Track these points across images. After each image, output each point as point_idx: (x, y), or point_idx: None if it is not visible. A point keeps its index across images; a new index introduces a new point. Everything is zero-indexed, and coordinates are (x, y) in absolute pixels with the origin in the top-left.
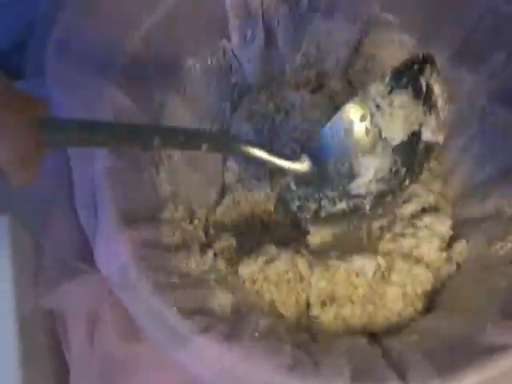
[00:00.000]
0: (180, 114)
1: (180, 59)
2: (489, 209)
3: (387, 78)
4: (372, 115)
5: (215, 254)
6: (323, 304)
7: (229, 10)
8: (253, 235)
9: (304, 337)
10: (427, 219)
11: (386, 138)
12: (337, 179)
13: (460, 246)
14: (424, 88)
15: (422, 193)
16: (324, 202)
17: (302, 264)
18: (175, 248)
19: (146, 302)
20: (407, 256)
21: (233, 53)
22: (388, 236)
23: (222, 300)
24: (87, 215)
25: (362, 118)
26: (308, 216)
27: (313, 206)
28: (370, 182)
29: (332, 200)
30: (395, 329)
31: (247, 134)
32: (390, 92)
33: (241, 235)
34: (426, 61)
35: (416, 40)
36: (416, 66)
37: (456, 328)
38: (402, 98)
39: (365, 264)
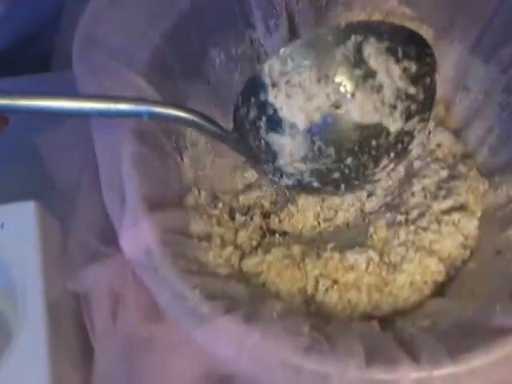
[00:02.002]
0: (204, 103)
1: (204, 49)
2: (502, 196)
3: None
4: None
5: (235, 248)
6: (325, 289)
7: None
8: None
9: (318, 321)
10: (456, 216)
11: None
12: (263, 157)
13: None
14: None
15: (462, 191)
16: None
17: (296, 252)
18: (198, 237)
19: (169, 283)
20: (421, 248)
21: (259, 42)
22: (412, 228)
23: (238, 289)
24: (112, 199)
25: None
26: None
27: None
28: (292, 162)
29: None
30: (404, 313)
31: None
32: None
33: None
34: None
35: (434, 32)
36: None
37: (467, 311)
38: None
39: (357, 258)
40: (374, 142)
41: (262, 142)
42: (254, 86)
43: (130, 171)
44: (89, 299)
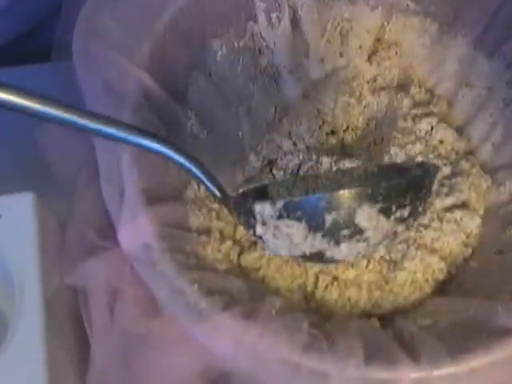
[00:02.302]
0: (206, 96)
1: (206, 42)
2: (505, 194)
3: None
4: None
5: (234, 242)
6: (325, 286)
7: None
8: None
9: (317, 318)
10: (458, 213)
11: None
12: None
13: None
14: None
15: (465, 189)
16: None
17: None
18: (197, 231)
19: (168, 279)
20: (422, 245)
21: (261, 35)
22: (413, 225)
23: (237, 284)
24: (111, 193)
25: None
26: None
27: None
28: None
29: None
30: (404, 312)
31: None
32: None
33: None
34: None
35: (438, 26)
36: None
37: (468, 310)
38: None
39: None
40: None
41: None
42: (246, 211)
43: (130, 165)
44: (86, 293)
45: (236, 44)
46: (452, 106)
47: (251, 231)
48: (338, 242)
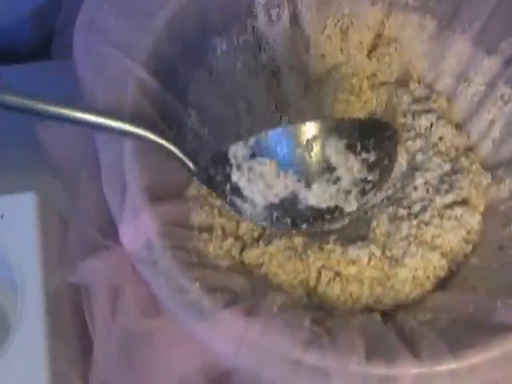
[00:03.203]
0: (206, 92)
1: (206, 38)
2: (505, 191)
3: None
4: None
5: (236, 239)
6: (328, 281)
7: None
8: None
9: (319, 313)
10: (458, 210)
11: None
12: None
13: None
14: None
15: (465, 185)
16: None
17: (298, 244)
18: (199, 228)
19: (169, 277)
20: (423, 242)
21: (261, 32)
22: (414, 222)
23: (239, 281)
24: (113, 192)
25: None
26: None
27: None
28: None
29: None
30: (405, 307)
31: None
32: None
33: None
34: None
35: (437, 22)
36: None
37: (468, 306)
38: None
39: (359, 253)
40: (328, 216)
41: (228, 198)
42: (222, 160)
43: (131, 163)
44: (88, 292)
45: (236, 40)
46: (451, 103)
47: (228, 186)
48: (309, 183)
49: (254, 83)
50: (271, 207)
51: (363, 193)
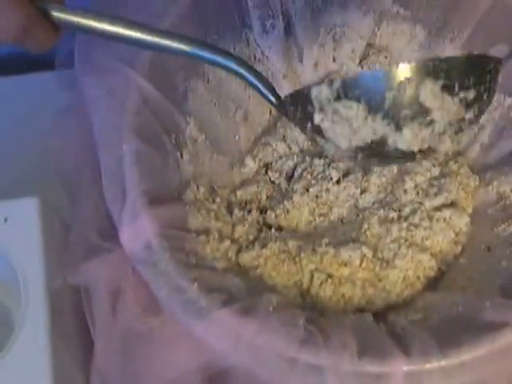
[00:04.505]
0: (204, 100)
1: None
2: (493, 193)
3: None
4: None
5: (232, 242)
6: (320, 283)
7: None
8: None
9: (313, 313)
10: (447, 212)
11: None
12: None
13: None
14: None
15: (453, 189)
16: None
17: (292, 247)
18: (196, 231)
19: (168, 277)
20: (413, 244)
21: (256, 42)
22: (404, 224)
23: (236, 282)
24: (113, 195)
25: None
26: None
27: None
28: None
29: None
30: (396, 308)
31: None
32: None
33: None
34: None
35: (427, 32)
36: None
37: (458, 306)
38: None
39: (351, 255)
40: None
41: (309, 135)
42: (303, 100)
43: (131, 168)
44: (89, 293)
45: (232, 50)
46: None
47: (309, 125)
48: (399, 127)
49: (249, 92)
50: (357, 149)
51: (459, 131)
